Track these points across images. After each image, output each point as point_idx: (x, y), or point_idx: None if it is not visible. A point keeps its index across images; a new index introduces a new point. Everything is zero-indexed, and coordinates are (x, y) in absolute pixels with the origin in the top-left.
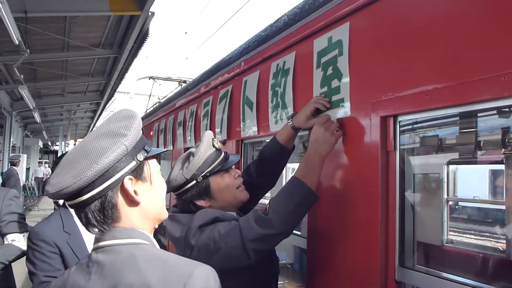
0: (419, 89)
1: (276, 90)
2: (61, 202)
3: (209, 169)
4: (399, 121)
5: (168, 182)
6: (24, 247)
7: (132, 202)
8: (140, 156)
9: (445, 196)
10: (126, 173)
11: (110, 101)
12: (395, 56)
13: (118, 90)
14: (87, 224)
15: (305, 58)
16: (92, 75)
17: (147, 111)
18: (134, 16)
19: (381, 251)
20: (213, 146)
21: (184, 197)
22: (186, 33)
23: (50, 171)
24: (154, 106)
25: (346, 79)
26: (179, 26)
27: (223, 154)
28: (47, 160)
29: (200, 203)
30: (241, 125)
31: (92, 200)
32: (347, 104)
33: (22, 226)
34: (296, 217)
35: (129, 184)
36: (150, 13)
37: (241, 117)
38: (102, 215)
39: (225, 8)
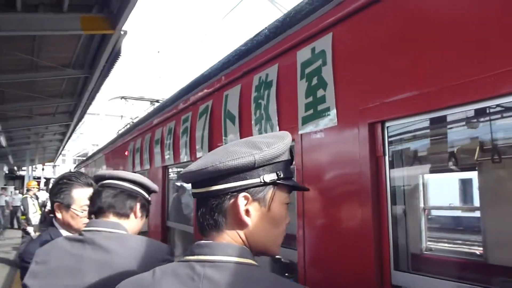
0: (406, 94)
1: (259, 102)
2: (30, 229)
3: None
4: (387, 127)
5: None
6: None
7: (238, 219)
8: (267, 178)
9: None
10: (243, 186)
11: (80, 123)
12: (380, 63)
13: (88, 111)
14: (200, 225)
15: (289, 69)
16: (62, 96)
17: (121, 131)
18: (106, 35)
19: (376, 256)
20: None
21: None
22: (158, 52)
23: (21, 200)
24: (129, 125)
25: (331, 88)
26: (152, 45)
27: None
28: (15, 186)
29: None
30: (223, 140)
31: (209, 195)
32: (333, 113)
33: None
34: None
35: (242, 201)
36: (122, 32)
37: (223, 131)
38: (210, 216)
39: (197, 28)
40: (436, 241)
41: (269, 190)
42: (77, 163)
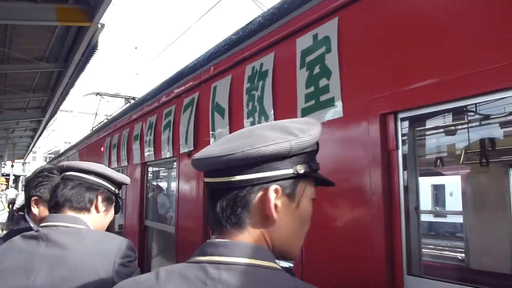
0: (423, 83)
1: (253, 94)
2: None
3: None
4: (400, 118)
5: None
6: None
7: (265, 215)
8: (301, 169)
9: None
10: (274, 178)
11: (52, 120)
12: (393, 48)
13: (61, 108)
14: (217, 220)
15: (287, 58)
16: (34, 91)
17: (95, 127)
18: (82, 28)
19: (387, 260)
20: None
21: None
22: (136, 48)
23: None
24: (106, 120)
25: (336, 77)
26: (129, 41)
27: None
28: None
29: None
30: (211, 134)
31: (232, 186)
32: (339, 104)
33: None
34: None
35: (273, 194)
36: (99, 25)
37: (210, 125)
38: (230, 210)
39: (176, 25)
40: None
41: (299, 183)
42: (48, 160)
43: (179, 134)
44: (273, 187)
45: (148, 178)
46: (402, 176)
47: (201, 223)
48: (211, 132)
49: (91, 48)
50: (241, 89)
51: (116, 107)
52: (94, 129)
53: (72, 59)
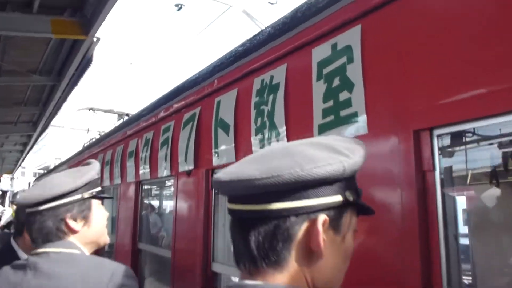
0: (465, 95)
1: (262, 108)
2: None
3: None
4: (437, 135)
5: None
6: None
7: (310, 251)
8: (349, 195)
9: None
10: (324, 206)
11: (43, 135)
12: (426, 56)
13: (52, 123)
14: (249, 257)
15: (301, 70)
16: (25, 104)
17: (87, 144)
18: (78, 41)
19: None
20: None
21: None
22: (131, 63)
23: None
24: (99, 135)
25: (359, 90)
26: (124, 56)
27: None
28: None
29: None
30: (213, 152)
31: (269, 216)
32: (363, 119)
33: None
34: None
35: (321, 226)
36: (95, 39)
37: (213, 142)
38: (268, 245)
39: (173, 42)
40: None
41: (345, 213)
42: (37, 176)
43: (178, 151)
44: (321, 217)
45: (143, 197)
46: (440, 200)
47: (200, 247)
48: (213, 150)
49: (86, 62)
50: (248, 103)
51: (109, 124)
52: (86, 145)
53: (66, 72)
